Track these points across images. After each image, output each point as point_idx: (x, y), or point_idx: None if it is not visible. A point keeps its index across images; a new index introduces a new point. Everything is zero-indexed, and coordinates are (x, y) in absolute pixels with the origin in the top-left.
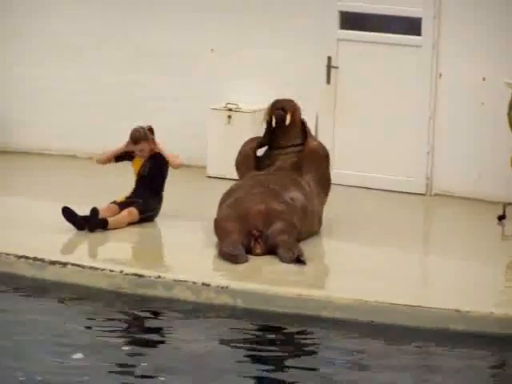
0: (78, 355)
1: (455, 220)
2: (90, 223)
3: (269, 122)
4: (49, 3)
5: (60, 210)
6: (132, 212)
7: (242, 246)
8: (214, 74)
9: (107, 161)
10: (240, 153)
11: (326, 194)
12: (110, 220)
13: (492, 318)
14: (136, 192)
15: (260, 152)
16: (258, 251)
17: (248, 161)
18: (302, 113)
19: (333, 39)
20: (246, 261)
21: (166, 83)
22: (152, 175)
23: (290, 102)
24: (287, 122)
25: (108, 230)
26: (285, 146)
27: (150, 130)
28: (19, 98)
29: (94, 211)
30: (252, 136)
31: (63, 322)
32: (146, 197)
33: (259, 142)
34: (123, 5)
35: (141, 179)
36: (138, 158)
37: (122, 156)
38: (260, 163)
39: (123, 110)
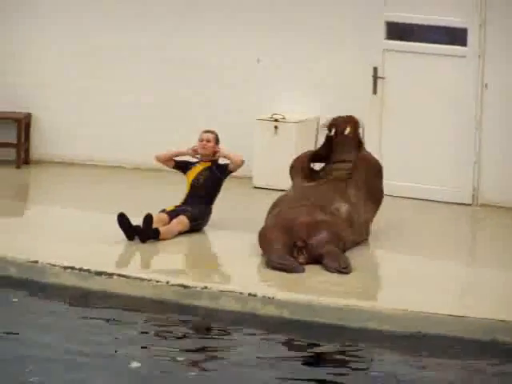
0: (135, 364)
1: (502, 230)
2: (143, 233)
3: (328, 135)
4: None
5: (110, 221)
6: (183, 221)
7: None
8: (260, 85)
9: (167, 160)
10: (294, 159)
11: (377, 205)
12: (162, 229)
13: None
14: (187, 201)
15: (317, 166)
16: (301, 261)
17: (300, 165)
18: (363, 131)
19: (379, 50)
20: (301, 270)
21: (213, 94)
22: (206, 185)
23: (353, 117)
24: (346, 131)
25: (159, 240)
26: (340, 161)
27: (216, 138)
28: (66, 109)
29: (148, 219)
30: (297, 146)
31: (112, 332)
32: (197, 206)
33: (314, 152)
34: (172, 17)
35: (194, 188)
36: (194, 168)
37: (180, 165)
38: (313, 175)
39: (170, 121)
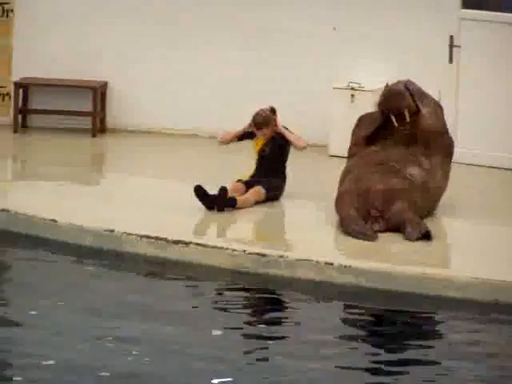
0: (217, 332)
1: None
2: (219, 202)
3: (385, 114)
4: None
5: (186, 189)
6: (259, 191)
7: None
8: (336, 53)
9: (230, 140)
10: (352, 142)
11: (451, 158)
12: (239, 199)
13: None
14: (258, 171)
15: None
16: (377, 229)
17: (359, 145)
18: (417, 86)
19: (455, 18)
20: (376, 238)
21: (289, 63)
22: (272, 156)
23: (401, 95)
24: (407, 119)
25: (236, 209)
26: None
27: (273, 110)
28: (141, 78)
29: (223, 190)
30: None
31: (190, 301)
32: (270, 176)
33: (370, 132)
34: None
35: (261, 159)
36: (259, 137)
37: (245, 136)
38: (376, 134)
39: (245, 89)
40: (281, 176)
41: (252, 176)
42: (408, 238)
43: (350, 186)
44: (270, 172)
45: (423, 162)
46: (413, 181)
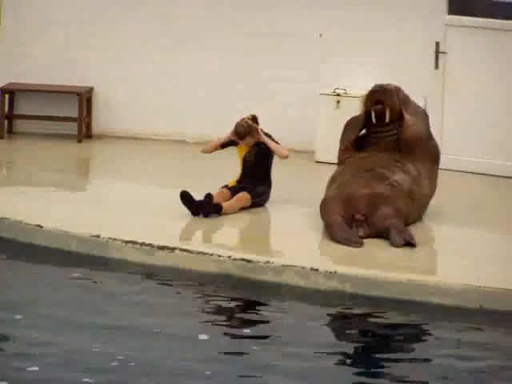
0: (203, 336)
1: None
2: (205, 208)
3: (367, 115)
4: None
5: (172, 195)
6: (244, 197)
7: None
8: (322, 59)
9: (213, 150)
10: (340, 148)
11: (437, 164)
12: (224, 205)
13: None
14: (243, 178)
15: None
16: (361, 234)
17: (347, 153)
18: (403, 92)
19: (441, 24)
20: (362, 245)
21: (275, 68)
22: (256, 163)
23: (388, 92)
24: (387, 118)
25: (222, 215)
26: (384, 126)
27: (254, 118)
28: (127, 83)
29: (209, 197)
30: None
31: (176, 306)
32: (255, 182)
33: (355, 137)
34: None
35: (246, 166)
36: (242, 146)
37: (228, 143)
38: (362, 141)
39: (231, 94)
40: (266, 182)
41: (238, 182)
42: (392, 244)
43: (335, 191)
44: (255, 178)
45: (410, 169)
46: (399, 187)
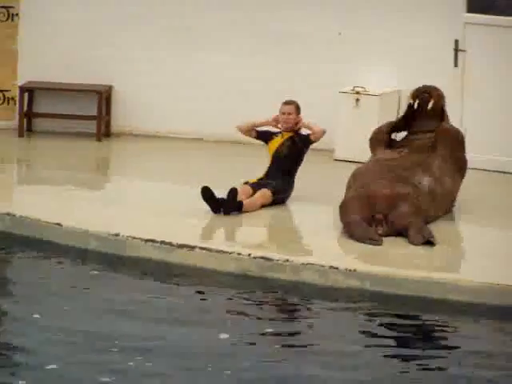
0: (224, 335)
1: None
2: (226, 206)
3: (411, 105)
4: None
5: (192, 193)
6: (265, 194)
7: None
8: (341, 57)
9: (249, 129)
10: (374, 131)
11: (462, 174)
12: (245, 202)
13: None
14: (269, 173)
15: (398, 137)
16: (380, 233)
17: (381, 136)
18: (446, 102)
19: (460, 23)
20: (381, 243)
21: (294, 67)
22: (289, 156)
23: (436, 89)
24: (430, 106)
25: (242, 212)
26: (421, 132)
27: (297, 107)
28: (146, 82)
29: (233, 192)
30: (379, 119)
31: (197, 305)
32: (279, 179)
33: (395, 123)
34: None
35: (276, 160)
36: (276, 138)
37: (262, 135)
38: (394, 144)
39: (250, 93)
40: (289, 180)
41: (261, 178)
42: (411, 242)
43: (354, 193)
44: (282, 173)
45: (434, 169)
46: (419, 187)
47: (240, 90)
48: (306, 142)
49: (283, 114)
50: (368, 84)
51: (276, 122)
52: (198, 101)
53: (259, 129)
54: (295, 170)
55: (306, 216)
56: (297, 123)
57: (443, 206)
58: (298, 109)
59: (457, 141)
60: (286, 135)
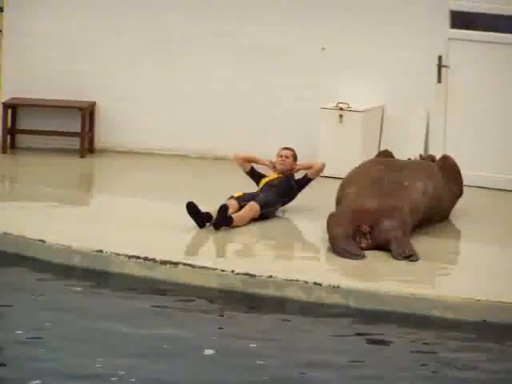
0: (209, 351)
1: None
2: (217, 222)
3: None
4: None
5: (175, 210)
6: (253, 207)
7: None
8: (325, 73)
9: (244, 161)
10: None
11: (454, 203)
12: (234, 217)
13: None
14: (261, 190)
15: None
16: (364, 245)
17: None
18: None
19: (443, 38)
20: (363, 257)
21: (278, 83)
22: (280, 187)
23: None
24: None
25: (232, 227)
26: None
27: (294, 156)
28: (128, 99)
29: (224, 208)
30: (363, 135)
31: (180, 321)
32: (269, 194)
33: None
34: (237, 6)
35: (267, 187)
36: (268, 176)
37: (255, 174)
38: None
39: (235, 109)
40: (279, 200)
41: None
42: (394, 257)
43: (346, 206)
44: (272, 192)
45: (428, 188)
46: (405, 200)
47: (223, 106)
48: (303, 180)
49: (281, 156)
50: (351, 99)
51: (273, 165)
52: (181, 117)
53: (254, 166)
54: (284, 201)
55: (292, 232)
56: (292, 169)
57: (435, 219)
58: (295, 157)
59: (458, 172)
60: (280, 175)
